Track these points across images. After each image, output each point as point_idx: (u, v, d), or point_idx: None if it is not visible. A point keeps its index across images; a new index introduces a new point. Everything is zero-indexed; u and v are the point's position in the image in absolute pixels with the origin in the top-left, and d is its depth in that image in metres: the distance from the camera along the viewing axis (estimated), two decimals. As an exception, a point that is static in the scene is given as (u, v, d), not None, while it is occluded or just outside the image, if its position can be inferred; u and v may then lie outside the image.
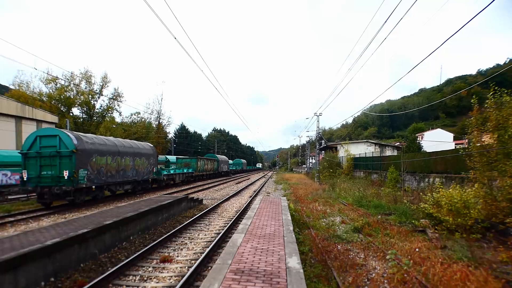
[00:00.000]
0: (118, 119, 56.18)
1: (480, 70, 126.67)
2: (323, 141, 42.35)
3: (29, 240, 5.81)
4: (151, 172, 20.30)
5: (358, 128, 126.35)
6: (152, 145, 21.85)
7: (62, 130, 13.59)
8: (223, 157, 50.17)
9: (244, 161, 73.92)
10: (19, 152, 13.77)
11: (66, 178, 12.63)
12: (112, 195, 17.45)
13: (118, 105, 54.40)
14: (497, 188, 8.35)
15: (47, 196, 12.77)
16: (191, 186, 26.36)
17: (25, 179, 12.84)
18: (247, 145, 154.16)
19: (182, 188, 23.71)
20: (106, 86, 52.15)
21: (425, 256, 6.35)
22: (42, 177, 12.83)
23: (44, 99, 46.92)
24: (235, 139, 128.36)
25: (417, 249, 6.87)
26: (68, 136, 13.00)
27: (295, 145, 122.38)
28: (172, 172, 25.45)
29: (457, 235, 7.68)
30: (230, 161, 60.44)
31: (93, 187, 14.21)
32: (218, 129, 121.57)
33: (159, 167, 23.35)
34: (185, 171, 28.99)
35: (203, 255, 6.52)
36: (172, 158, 36.48)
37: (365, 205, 13.27)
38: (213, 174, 40.79)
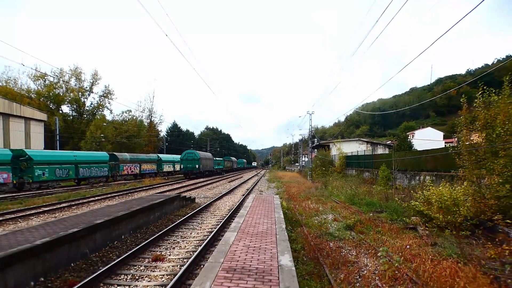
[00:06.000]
0: (109, 117, 55.39)
1: (469, 70, 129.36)
2: (315, 139, 42.56)
3: (18, 239, 5.69)
4: (212, 167, 43.89)
5: (350, 127, 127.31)
6: (211, 154, 48.49)
7: (194, 150, 39.07)
8: (234, 159, 75.88)
9: (245, 160, 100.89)
10: (180, 159, 36.68)
11: (196, 168, 35.30)
12: (204, 175, 39.04)
13: (109, 103, 53.68)
14: (486, 186, 8.51)
15: (189, 174, 35.59)
16: (186, 184, 26.26)
17: (181, 167, 36.18)
18: (239, 144, 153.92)
19: (175, 187, 23.61)
20: (96, 83, 51.40)
21: (415, 253, 6.45)
22: (188, 167, 35.49)
23: (33, 96, 45.88)
24: (227, 137, 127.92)
25: (408, 246, 6.96)
26: (197, 152, 37.41)
27: (288, 143, 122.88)
28: (216, 167, 48.24)
29: (447, 232, 7.80)
30: (238, 161, 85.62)
31: (202, 171, 36.91)
32: (211, 127, 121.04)
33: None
34: (219, 167, 50.98)
35: (196, 253, 6.49)
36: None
37: (357, 203, 13.40)
38: (231, 170, 63.91)
